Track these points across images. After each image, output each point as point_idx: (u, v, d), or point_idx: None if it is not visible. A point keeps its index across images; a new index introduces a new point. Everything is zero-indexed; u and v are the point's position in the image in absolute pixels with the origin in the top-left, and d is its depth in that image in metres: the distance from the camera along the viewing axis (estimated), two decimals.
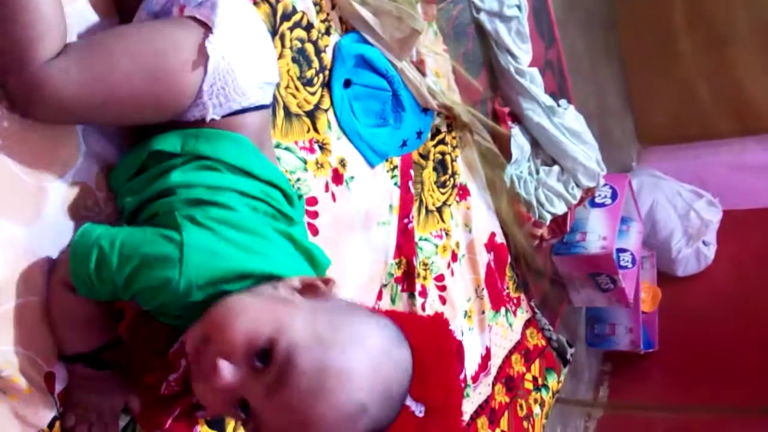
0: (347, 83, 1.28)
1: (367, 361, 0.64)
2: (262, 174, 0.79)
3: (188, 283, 0.67)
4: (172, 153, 0.75)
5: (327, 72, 1.24)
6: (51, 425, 0.77)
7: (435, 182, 1.57)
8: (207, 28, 0.74)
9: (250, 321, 0.64)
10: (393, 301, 1.40)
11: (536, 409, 1.86)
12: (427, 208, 1.54)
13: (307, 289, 0.71)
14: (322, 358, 0.62)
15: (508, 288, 1.85)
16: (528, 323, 1.94)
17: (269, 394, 0.61)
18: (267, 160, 0.82)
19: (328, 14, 1.24)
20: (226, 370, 0.61)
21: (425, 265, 1.50)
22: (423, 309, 1.45)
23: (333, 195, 1.23)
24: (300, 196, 0.89)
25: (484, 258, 1.72)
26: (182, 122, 0.77)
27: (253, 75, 0.79)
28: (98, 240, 0.70)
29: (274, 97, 1.11)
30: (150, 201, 0.75)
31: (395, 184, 1.42)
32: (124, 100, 0.71)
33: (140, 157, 0.77)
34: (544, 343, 1.98)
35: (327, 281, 0.72)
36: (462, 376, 1.55)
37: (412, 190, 1.47)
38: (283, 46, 1.13)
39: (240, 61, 0.77)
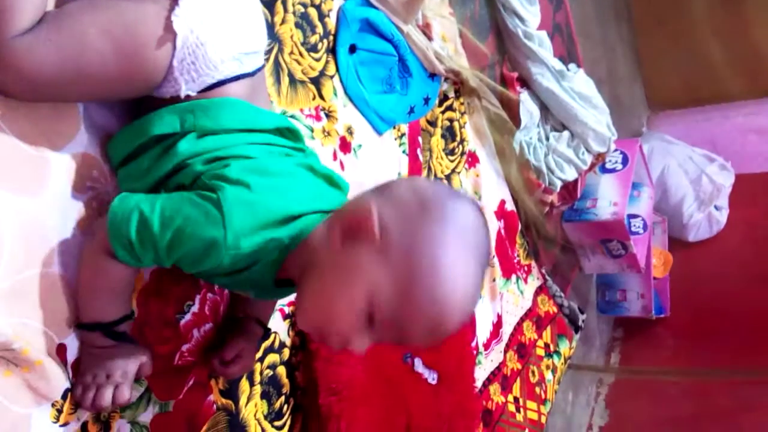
0: (352, 48, 1.25)
1: (460, 264, 0.66)
2: (264, 125, 0.79)
3: (235, 236, 0.68)
4: (173, 133, 0.74)
5: (331, 37, 1.21)
6: (65, 396, 0.77)
7: (443, 149, 1.55)
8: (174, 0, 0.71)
9: (342, 308, 0.67)
10: None
11: (548, 376, 1.87)
12: (435, 175, 1.52)
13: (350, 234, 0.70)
14: (417, 296, 0.65)
15: (518, 255, 1.84)
16: (539, 290, 1.93)
17: (394, 327, 0.67)
18: (265, 110, 0.82)
19: None
20: (356, 349, 0.69)
21: None
22: None
23: (341, 163, 1.22)
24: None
25: (494, 225, 1.70)
26: (167, 99, 0.75)
27: (225, 47, 0.75)
28: (138, 204, 0.70)
29: (278, 64, 1.09)
30: (167, 178, 0.75)
31: (403, 152, 1.40)
32: (93, 77, 0.70)
33: (138, 139, 0.76)
34: (555, 309, 1.97)
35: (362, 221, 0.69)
36: (474, 344, 1.55)
37: (421, 158, 1.45)
38: (285, 11, 1.10)
39: (210, 34, 0.74)
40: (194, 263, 0.71)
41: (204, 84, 0.75)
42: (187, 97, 0.75)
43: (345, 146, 1.24)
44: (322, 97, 1.18)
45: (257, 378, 1.01)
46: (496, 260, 1.69)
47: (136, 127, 0.76)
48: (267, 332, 1.00)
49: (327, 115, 1.19)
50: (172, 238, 0.68)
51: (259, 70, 0.83)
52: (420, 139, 1.46)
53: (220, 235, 0.67)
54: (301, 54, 1.14)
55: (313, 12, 1.16)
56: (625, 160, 2.37)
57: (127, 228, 0.69)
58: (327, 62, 1.20)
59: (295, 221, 0.73)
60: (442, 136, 1.55)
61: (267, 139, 0.79)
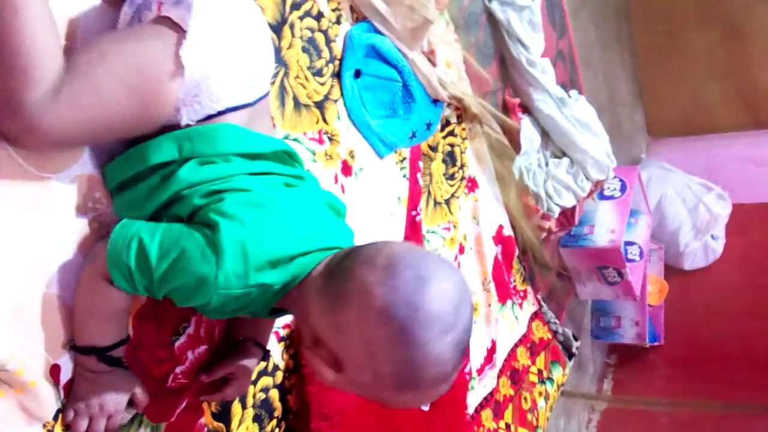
0: (357, 73, 1.26)
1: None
2: (262, 149, 0.80)
3: (226, 277, 0.68)
4: (171, 161, 0.74)
5: (337, 62, 1.22)
6: (56, 417, 0.77)
7: (444, 174, 1.56)
8: (182, 32, 0.71)
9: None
10: None
11: (541, 402, 1.86)
12: (435, 200, 1.52)
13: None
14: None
15: (514, 281, 1.84)
16: (534, 316, 1.93)
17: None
18: (262, 135, 0.82)
19: (338, 3, 1.23)
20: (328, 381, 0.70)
21: None
22: None
23: (342, 187, 1.22)
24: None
25: (491, 250, 1.71)
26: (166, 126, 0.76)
27: (230, 80, 0.76)
28: (138, 232, 0.70)
29: (283, 87, 1.10)
30: (164, 208, 0.75)
31: (404, 176, 1.41)
32: (113, 125, 0.71)
33: (136, 167, 0.76)
34: (550, 336, 1.97)
35: None
36: (467, 369, 1.55)
37: (421, 182, 1.46)
38: (293, 35, 1.11)
39: (216, 67, 0.74)
40: (184, 298, 0.72)
41: (205, 114, 0.75)
42: (187, 125, 0.75)
43: (346, 169, 1.25)
44: (325, 120, 1.19)
45: (249, 401, 1.00)
46: (492, 285, 1.69)
47: (134, 155, 0.76)
48: (266, 354, 1.00)
49: (330, 139, 1.20)
50: (167, 270, 0.69)
51: (261, 99, 0.83)
52: (421, 163, 1.47)
53: (212, 273, 0.67)
54: (306, 78, 1.15)
55: (320, 37, 1.17)
56: (623, 188, 2.38)
57: (126, 256, 0.69)
58: (332, 86, 1.21)
59: (289, 263, 0.72)
60: (443, 161, 1.56)
61: (266, 167, 0.79)
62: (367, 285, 0.65)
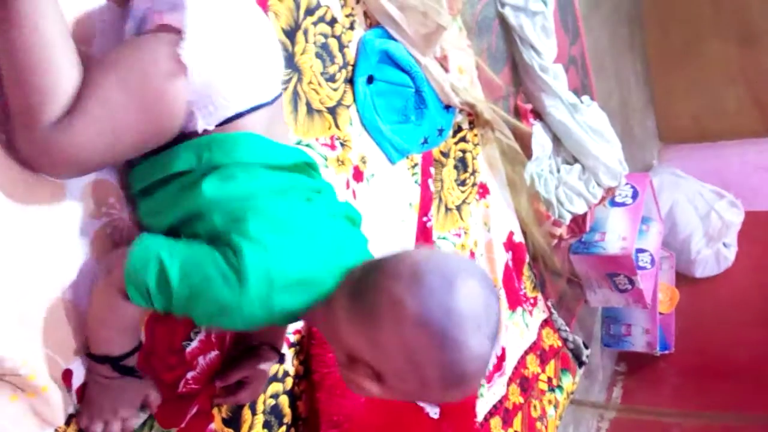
0: (370, 79, 1.26)
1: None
2: (283, 162, 0.79)
3: (251, 303, 0.68)
4: (191, 170, 0.74)
5: (350, 68, 1.22)
6: (68, 422, 0.77)
7: (455, 180, 1.55)
8: (180, 34, 0.70)
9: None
10: None
11: (550, 411, 1.85)
12: (446, 206, 1.52)
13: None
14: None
15: (525, 287, 1.83)
16: (544, 323, 1.92)
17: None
18: (282, 145, 0.81)
19: (352, 9, 1.22)
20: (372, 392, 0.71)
21: None
22: None
23: (354, 192, 1.22)
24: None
25: (502, 257, 1.70)
26: (186, 133, 0.75)
27: (240, 78, 0.75)
28: (158, 253, 0.69)
29: (296, 93, 1.10)
30: (185, 222, 0.74)
31: (415, 182, 1.40)
32: (128, 138, 0.71)
33: (157, 175, 0.76)
34: (560, 343, 1.96)
35: None
36: None
37: (432, 188, 1.45)
38: (306, 41, 1.11)
39: (222, 65, 0.73)
40: (206, 321, 0.72)
41: (222, 117, 0.74)
42: (206, 132, 0.74)
43: (358, 175, 1.24)
44: (338, 126, 1.19)
45: (260, 407, 1.00)
46: (502, 292, 1.68)
47: (156, 162, 0.76)
48: (282, 357, 1.00)
49: (342, 145, 1.20)
50: (189, 295, 0.69)
51: (277, 98, 0.83)
52: (432, 169, 1.46)
53: (236, 301, 0.67)
54: (319, 84, 1.15)
55: (333, 43, 1.17)
56: (635, 195, 2.37)
57: (145, 276, 0.69)
58: (344, 92, 1.21)
59: (313, 285, 0.72)
60: (455, 167, 1.55)
61: (288, 181, 0.78)
62: (398, 297, 0.65)
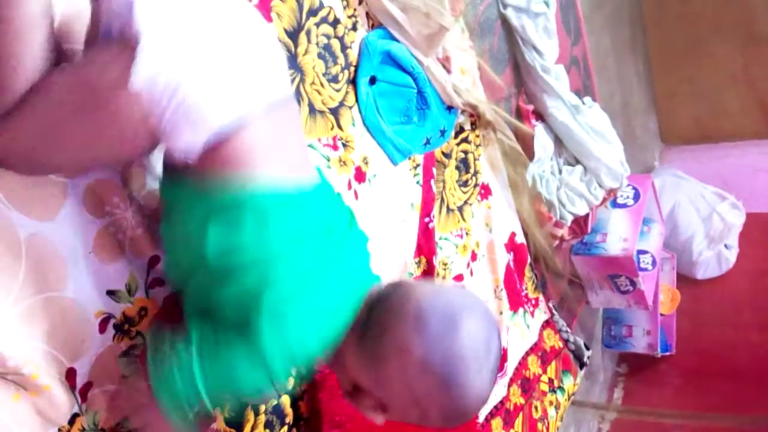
0: (373, 80, 1.26)
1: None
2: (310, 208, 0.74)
3: (279, 379, 0.69)
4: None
5: (353, 68, 1.22)
6: (72, 422, 0.77)
7: (457, 181, 1.55)
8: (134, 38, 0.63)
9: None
10: None
11: (551, 412, 1.85)
12: (448, 207, 1.52)
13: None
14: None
15: (526, 288, 1.83)
16: (545, 324, 1.92)
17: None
18: (308, 193, 0.74)
19: (355, 10, 1.23)
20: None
21: (444, 264, 1.48)
22: None
23: (356, 193, 1.22)
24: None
25: (503, 258, 1.70)
26: (189, 169, 0.69)
27: (218, 82, 0.66)
28: (186, 392, 0.68)
29: (299, 94, 1.10)
30: (200, 277, 0.71)
31: (417, 182, 1.40)
32: (73, 146, 0.68)
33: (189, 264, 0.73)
34: (561, 344, 1.96)
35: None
36: None
37: (434, 189, 1.45)
38: (309, 42, 1.11)
39: (190, 70, 0.64)
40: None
41: (211, 130, 0.65)
42: (220, 181, 0.67)
43: (360, 176, 1.24)
44: (340, 127, 1.19)
45: (261, 407, 1.00)
46: (504, 293, 1.68)
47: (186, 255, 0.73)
48: None
49: (344, 145, 1.20)
50: (224, 402, 0.73)
51: (282, 102, 0.74)
52: (434, 170, 1.46)
53: (266, 385, 0.69)
54: (322, 84, 1.15)
55: (335, 43, 1.18)
56: (636, 196, 2.36)
57: (183, 411, 0.69)
58: (347, 93, 1.21)
59: (332, 341, 0.72)
60: (456, 167, 1.55)
61: (308, 221, 0.72)
62: (403, 343, 0.67)
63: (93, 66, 0.67)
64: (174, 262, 0.77)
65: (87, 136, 0.67)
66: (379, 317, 0.70)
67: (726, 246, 3.00)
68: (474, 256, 1.60)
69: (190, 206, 0.70)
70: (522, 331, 1.78)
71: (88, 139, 0.67)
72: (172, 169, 0.72)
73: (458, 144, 1.56)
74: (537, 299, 1.88)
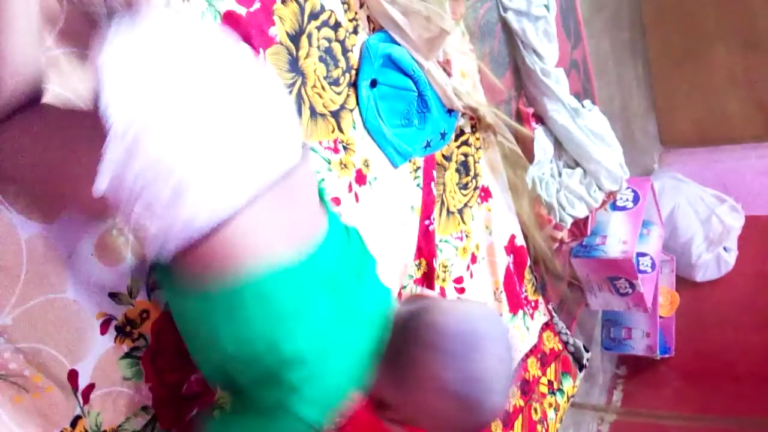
0: (373, 83, 1.26)
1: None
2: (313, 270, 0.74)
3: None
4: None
5: (354, 72, 1.23)
6: (74, 424, 0.77)
7: (457, 184, 1.56)
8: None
9: None
10: None
11: (550, 414, 1.85)
12: (448, 209, 1.52)
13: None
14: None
15: (526, 291, 1.83)
16: (545, 326, 1.92)
17: None
18: (307, 262, 0.72)
19: (356, 13, 1.23)
20: None
21: (444, 267, 1.49)
22: None
23: (356, 195, 1.23)
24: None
25: (503, 260, 1.70)
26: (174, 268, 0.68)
27: (193, 188, 0.61)
28: None
29: (300, 97, 1.10)
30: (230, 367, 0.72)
31: (417, 185, 1.41)
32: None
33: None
34: (560, 347, 1.96)
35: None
36: None
37: (434, 192, 1.46)
38: (310, 45, 1.12)
39: (164, 174, 0.60)
40: None
41: (179, 240, 0.63)
42: (193, 266, 0.66)
43: (361, 178, 1.25)
44: (341, 129, 1.20)
45: None
46: (503, 295, 1.69)
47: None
48: None
49: (345, 148, 1.21)
50: None
51: (281, 177, 0.69)
52: (434, 172, 1.47)
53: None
54: (323, 87, 1.15)
55: (337, 47, 1.18)
56: (636, 199, 2.37)
57: None
58: (348, 96, 1.21)
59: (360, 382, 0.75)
60: (457, 170, 1.56)
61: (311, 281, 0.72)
62: (431, 373, 0.71)
63: (77, 133, 0.65)
64: (203, 362, 0.78)
65: (63, 185, 0.67)
66: (408, 348, 0.74)
67: (725, 248, 3.00)
68: (474, 259, 1.60)
69: (195, 310, 0.70)
70: (521, 334, 1.78)
71: (62, 187, 0.68)
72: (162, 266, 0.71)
73: (458, 147, 1.56)
74: (536, 301, 1.88)
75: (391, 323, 0.77)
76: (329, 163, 1.16)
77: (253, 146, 0.67)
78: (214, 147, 0.63)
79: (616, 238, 2.24)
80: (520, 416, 1.73)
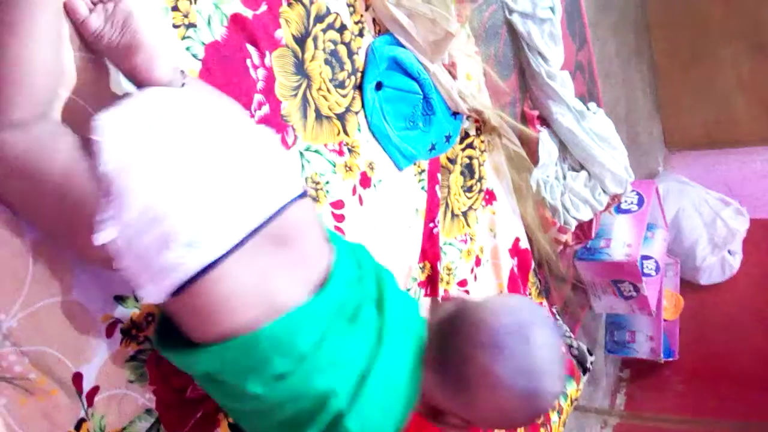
0: (379, 86, 1.26)
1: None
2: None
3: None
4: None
5: (359, 74, 1.23)
6: (78, 426, 0.77)
7: (462, 186, 1.56)
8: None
9: None
10: None
11: (554, 417, 1.85)
12: (452, 212, 1.52)
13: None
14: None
15: (530, 294, 1.83)
16: None
17: None
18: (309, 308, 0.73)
19: (361, 16, 1.23)
20: None
21: (449, 269, 1.48)
22: None
23: (360, 198, 1.23)
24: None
25: (507, 263, 1.70)
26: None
27: (186, 243, 0.64)
28: None
29: (306, 99, 1.10)
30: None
31: (422, 188, 1.41)
32: (45, 202, 0.67)
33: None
34: (564, 350, 1.96)
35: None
36: None
37: (439, 195, 1.46)
38: (316, 48, 1.12)
39: (160, 229, 0.63)
40: None
41: (172, 284, 0.65)
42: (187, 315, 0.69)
43: (365, 181, 1.25)
44: (346, 132, 1.20)
45: None
46: None
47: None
48: None
49: (350, 151, 1.21)
50: None
51: (276, 221, 0.71)
52: (439, 175, 1.47)
53: None
54: (328, 90, 1.15)
55: (342, 49, 1.18)
56: (640, 202, 2.37)
57: None
58: (353, 98, 1.21)
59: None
60: (461, 173, 1.55)
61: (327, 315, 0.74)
62: (486, 368, 0.73)
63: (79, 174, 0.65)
64: (236, 415, 0.80)
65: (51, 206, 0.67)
66: (456, 349, 0.75)
67: (729, 252, 2.99)
68: (478, 261, 1.60)
69: (216, 370, 0.71)
70: None
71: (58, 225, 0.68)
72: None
73: (463, 149, 1.56)
74: (540, 304, 1.88)
75: (428, 332, 0.78)
76: (334, 165, 1.16)
77: (238, 191, 0.70)
78: (201, 197, 0.67)
79: (621, 241, 2.24)
80: None
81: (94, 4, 0.73)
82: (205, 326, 0.69)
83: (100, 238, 0.63)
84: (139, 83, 0.73)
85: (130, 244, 0.64)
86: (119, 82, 0.78)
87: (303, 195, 0.77)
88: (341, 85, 1.18)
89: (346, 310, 0.76)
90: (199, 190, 0.66)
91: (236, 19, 0.97)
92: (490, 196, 1.66)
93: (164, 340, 0.75)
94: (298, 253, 0.74)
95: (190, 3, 0.91)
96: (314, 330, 0.71)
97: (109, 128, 0.64)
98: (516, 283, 1.74)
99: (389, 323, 0.77)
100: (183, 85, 0.75)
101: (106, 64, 0.77)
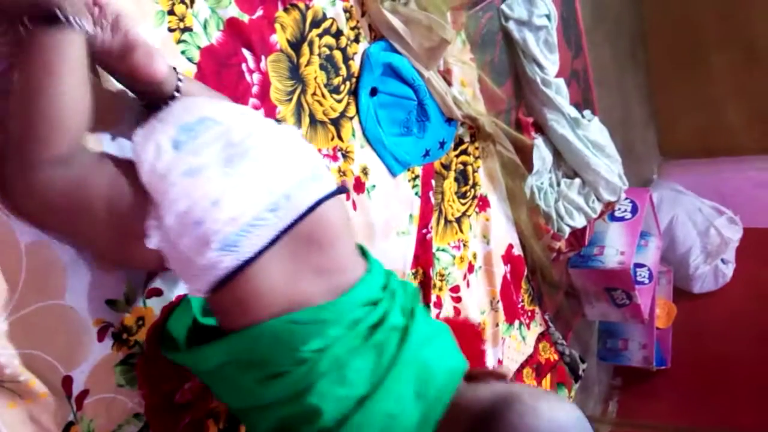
0: (374, 91, 1.27)
1: None
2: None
3: None
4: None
5: (354, 80, 1.23)
6: (66, 430, 0.77)
7: (455, 193, 1.56)
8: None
9: None
10: None
11: None
12: (446, 218, 1.52)
13: None
14: None
15: (522, 300, 1.83)
16: (541, 337, 1.92)
17: None
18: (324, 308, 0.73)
19: (357, 22, 1.23)
20: None
21: (441, 276, 1.48)
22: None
23: (354, 203, 1.23)
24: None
25: (500, 270, 1.70)
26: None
27: (227, 211, 0.69)
28: None
29: (300, 104, 1.10)
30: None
31: (416, 194, 1.41)
32: (88, 230, 0.72)
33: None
34: (556, 357, 1.96)
35: None
36: None
37: (433, 201, 1.46)
38: (311, 52, 1.12)
39: (203, 232, 0.68)
40: None
41: (215, 275, 0.70)
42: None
43: (359, 186, 1.25)
44: (340, 137, 1.20)
45: None
46: (500, 305, 1.69)
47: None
48: None
49: (344, 156, 1.21)
50: None
51: (300, 218, 0.73)
52: (433, 181, 1.47)
53: None
54: (323, 95, 1.15)
55: (338, 55, 1.18)
56: (634, 209, 2.37)
57: None
58: (348, 104, 1.22)
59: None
60: (455, 179, 1.56)
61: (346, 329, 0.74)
62: None
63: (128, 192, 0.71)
64: (238, 409, 0.80)
65: (102, 224, 0.71)
66: None
67: (723, 260, 3.01)
68: (471, 268, 1.60)
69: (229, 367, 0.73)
70: (518, 344, 1.78)
71: (101, 229, 0.71)
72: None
73: (457, 156, 1.57)
74: (533, 311, 1.88)
75: (454, 405, 0.73)
76: (328, 170, 1.16)
77: (270, 187, 0.72)
78: (235, 198, 0.70)
79: (614, 248, 2.25)
80: None
81: None
82: (238, 318, 0.72)
83: (151, 243, 0.69)
84: (140, 81, 0.75)
85: (173, 247, 0.69)
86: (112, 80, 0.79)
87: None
88: (336, 90, 1.19)
89: (360, 328, 0.73)
90: (233, 191, 0.70)
91: (232, 24, 0.98)
92: (483, 203, 1.66)
93: (170, 344, 0.80)
94: (328, 258, 0.75)
95: (186, 7, 0.91)
96: (318, 336, 0.70)
97: (146, 143, 0.70)
98: (509, 290, 1.74)
99: (406, 356, 0.73)
100: (178, 81, 0.77)
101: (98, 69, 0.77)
